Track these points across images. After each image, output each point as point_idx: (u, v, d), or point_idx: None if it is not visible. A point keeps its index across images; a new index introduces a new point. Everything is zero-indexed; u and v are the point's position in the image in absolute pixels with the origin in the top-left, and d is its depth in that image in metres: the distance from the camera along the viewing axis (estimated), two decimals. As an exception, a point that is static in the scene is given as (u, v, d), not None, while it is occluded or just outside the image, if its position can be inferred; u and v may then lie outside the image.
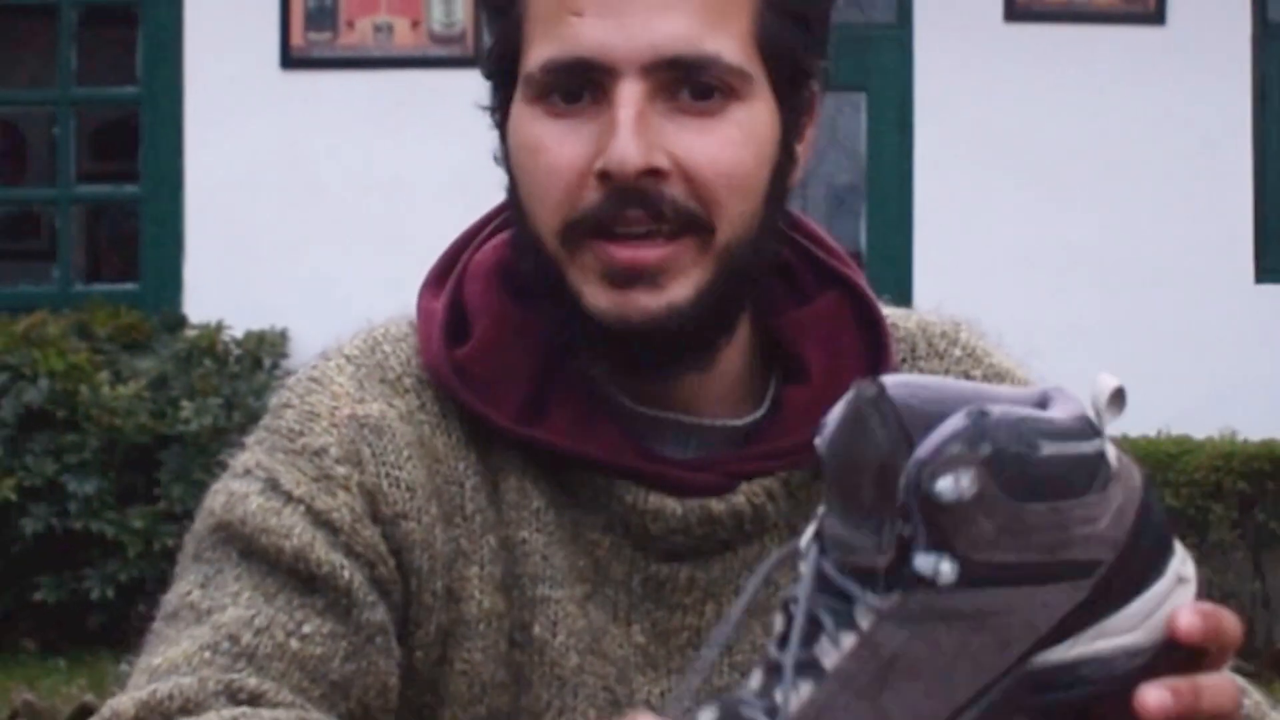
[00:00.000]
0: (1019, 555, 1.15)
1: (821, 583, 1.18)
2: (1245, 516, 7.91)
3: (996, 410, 1.16)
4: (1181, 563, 1.21)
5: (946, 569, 1.15)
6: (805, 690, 1.17)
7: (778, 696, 1.18)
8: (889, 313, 1.67)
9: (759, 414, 1.63)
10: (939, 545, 1.15)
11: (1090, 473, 1.17)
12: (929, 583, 1.15)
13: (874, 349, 1.64)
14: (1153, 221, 8.95)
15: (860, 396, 1.17)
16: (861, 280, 1.66)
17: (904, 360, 1.67)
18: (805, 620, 1.17)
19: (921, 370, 1.67)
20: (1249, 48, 9.14)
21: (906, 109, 9.16)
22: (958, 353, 1.68)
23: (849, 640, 1.16)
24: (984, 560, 1.15)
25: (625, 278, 1.52)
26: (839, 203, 9.30)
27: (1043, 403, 1.21)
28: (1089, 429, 1.17)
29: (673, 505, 1.58)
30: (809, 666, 1.17)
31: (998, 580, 1.15)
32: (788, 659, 1.18)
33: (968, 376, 1.66)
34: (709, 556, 1.59)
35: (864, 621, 1.16)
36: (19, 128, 10.72)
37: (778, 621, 1.21)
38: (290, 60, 8.99)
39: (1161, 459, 7.80)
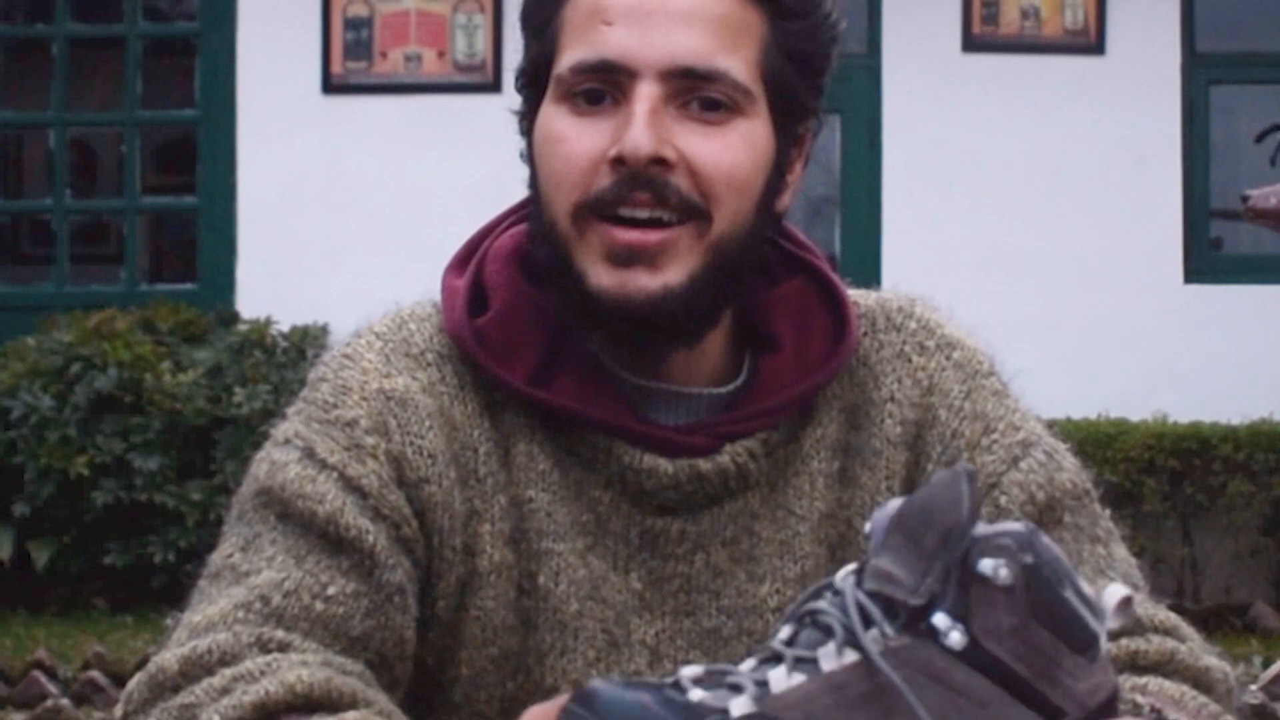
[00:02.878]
0: (1015, 662, 1.18)
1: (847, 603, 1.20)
2: (1175, 490, 7.90)
3: (1046, 539, 1.20)
4: None
5: (956, 637, 1.17)
6: (796, 679, 1.18)
7: (770, 675, 1.19)
8: (852, 293, 1.67)
9: (738, 383, 1.62)
10: (959, 615, 1.18)
11: (1087, 643, 1.20)
12: (938, 641, 1.18)
13: (838, 324, 1.64)
14: (1093, 229, 8.94)
15: (964, 470, 1.21)
16: (825, 265, 1.66)
17: (865, 334, 1.66)
18: (834, 626, 1.19)
19: (880, 341, 1.66)
20: (1178, 75, 9.12)
21: (875, 129, 9.14)
22: (913, 325, 1.67)
23: (851, 657, 1.18)
24: (988, 649, 1.18)
25: (626, 258, 1.52)
26: (815, 213, 9.27)
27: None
28: (1098, 612, 1.21)
29: (665, 464, 1.57)
30: (807, 663, 1.19)
31: (991, 672, 1.18)
32: (791, 652, 1.19)
33: (922, 347, 1.66)
34: (697, 511, 1.59)
35: (871, 647, 1.18)
36: (91, 146, 10.69)
37: (787, 629, 1.22)
38: (331, 86, 8.97)
39: (1100, 439, 7.80)
